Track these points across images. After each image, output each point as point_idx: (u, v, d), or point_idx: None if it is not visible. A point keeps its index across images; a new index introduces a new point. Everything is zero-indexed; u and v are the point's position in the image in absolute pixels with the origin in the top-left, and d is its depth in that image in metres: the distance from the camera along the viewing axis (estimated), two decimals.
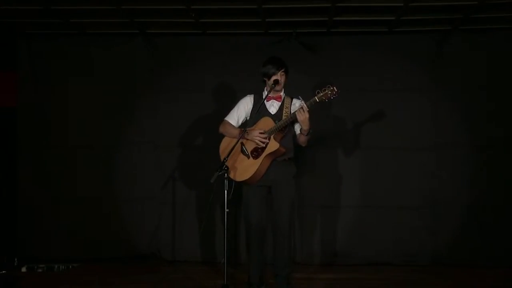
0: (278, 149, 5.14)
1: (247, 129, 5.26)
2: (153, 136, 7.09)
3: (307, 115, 5.06)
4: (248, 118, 5.42)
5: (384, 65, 6.95)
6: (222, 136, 5.46)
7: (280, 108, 5.27)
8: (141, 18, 6.68)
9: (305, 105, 5.07)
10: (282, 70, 5.28)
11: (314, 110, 5.08)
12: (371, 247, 6.85)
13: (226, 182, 5.04)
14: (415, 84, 6.93)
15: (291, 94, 5.41)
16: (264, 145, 5.17)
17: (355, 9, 6.39)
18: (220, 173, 5.00)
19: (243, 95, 5.53)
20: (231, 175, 5.18)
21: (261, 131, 5.18)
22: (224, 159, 5.08)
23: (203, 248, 6.99)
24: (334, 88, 4.98)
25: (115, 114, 7.10)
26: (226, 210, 5.03)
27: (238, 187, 5.27)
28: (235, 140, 5.22)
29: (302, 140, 5.28)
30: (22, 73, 7.13)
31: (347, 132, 6.95)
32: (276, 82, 5.22)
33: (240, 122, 5.43)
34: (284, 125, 5.16)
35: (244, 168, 5.21)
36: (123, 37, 7.11)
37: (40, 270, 6.53)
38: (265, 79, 5.33)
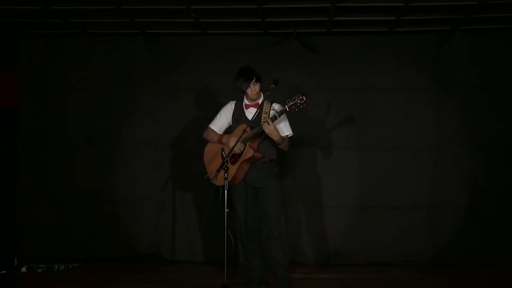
0: (253, 155, 5.22)
1: (225, 136, 5.38)
2: (153, 136, 7.09)
3: (272, 127, 5.10)
4: (231, 124, 5.49)
5: (384, 65, 6.95)
6: None
7: (259, 114, 5.29)
8: (141, 18, 6.68)
9: (269, 119, 5.12)
10: (253, 80, 5.31)
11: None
12: (371, 247, 6.85)
13: (225, 182, 5.07)
14: (415, 84, 6.93)
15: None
16: (240, 152, 5.23)
17: (355, 9, 6.38)
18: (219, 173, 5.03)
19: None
20: (214, 180, 5.22)
21: (236, 139, 5.19)
22: (224, 159, 5.11)
23: (203, 248, 6.99)
24: (304, 97, 5.00)
25: (115, 114, 7.10)
26: (226, 210, 5.06)
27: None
28: (218, 145, 5.36)
29: (279, 147, 5.30)
30: (22, 73, 7.13)
31: (347, 132, 6.95)
32: (276, 82, 5.23)
33: (223, 128, 5.53)
34: (253, 136, 5.21)
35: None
36: (123, 37, 7.12)
37: (40, 270, 6.52)
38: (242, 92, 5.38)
